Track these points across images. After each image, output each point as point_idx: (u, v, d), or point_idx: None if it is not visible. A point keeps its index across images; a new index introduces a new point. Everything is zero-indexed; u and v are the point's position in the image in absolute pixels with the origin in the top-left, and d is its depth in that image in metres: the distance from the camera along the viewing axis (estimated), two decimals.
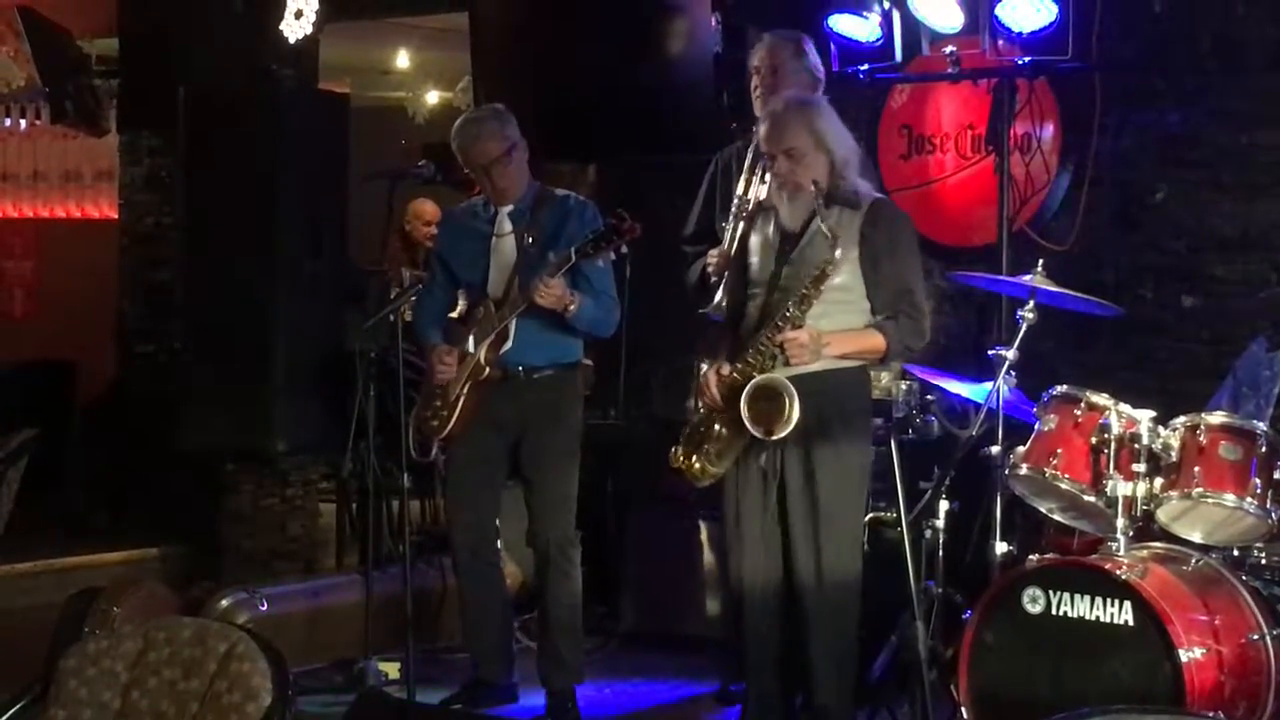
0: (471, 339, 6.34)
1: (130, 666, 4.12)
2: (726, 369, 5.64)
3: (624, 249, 6.19)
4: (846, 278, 5.59)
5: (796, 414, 5.44)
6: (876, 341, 5.62)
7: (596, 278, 6.31)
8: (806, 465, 5.61)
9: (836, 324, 5.59)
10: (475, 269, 6.45)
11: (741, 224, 5.99)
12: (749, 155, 6.30)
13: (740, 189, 6.29)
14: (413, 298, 6.78)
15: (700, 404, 5.82)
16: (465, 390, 6.33)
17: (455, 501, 6.55)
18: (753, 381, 5.51)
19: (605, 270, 6.35)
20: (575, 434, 6.49)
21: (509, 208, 6.44)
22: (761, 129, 5.73)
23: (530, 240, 6.33)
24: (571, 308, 6.18)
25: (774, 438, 5.50)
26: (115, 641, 4.19)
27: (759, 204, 5.91)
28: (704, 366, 5.82)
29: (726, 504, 5.80)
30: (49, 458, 9.77)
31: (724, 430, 5.66)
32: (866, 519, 6.08)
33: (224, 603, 6.80)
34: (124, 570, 8.23)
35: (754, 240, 5.78)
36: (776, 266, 5.67)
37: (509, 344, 6.30)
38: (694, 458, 5.73)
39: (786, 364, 5.53)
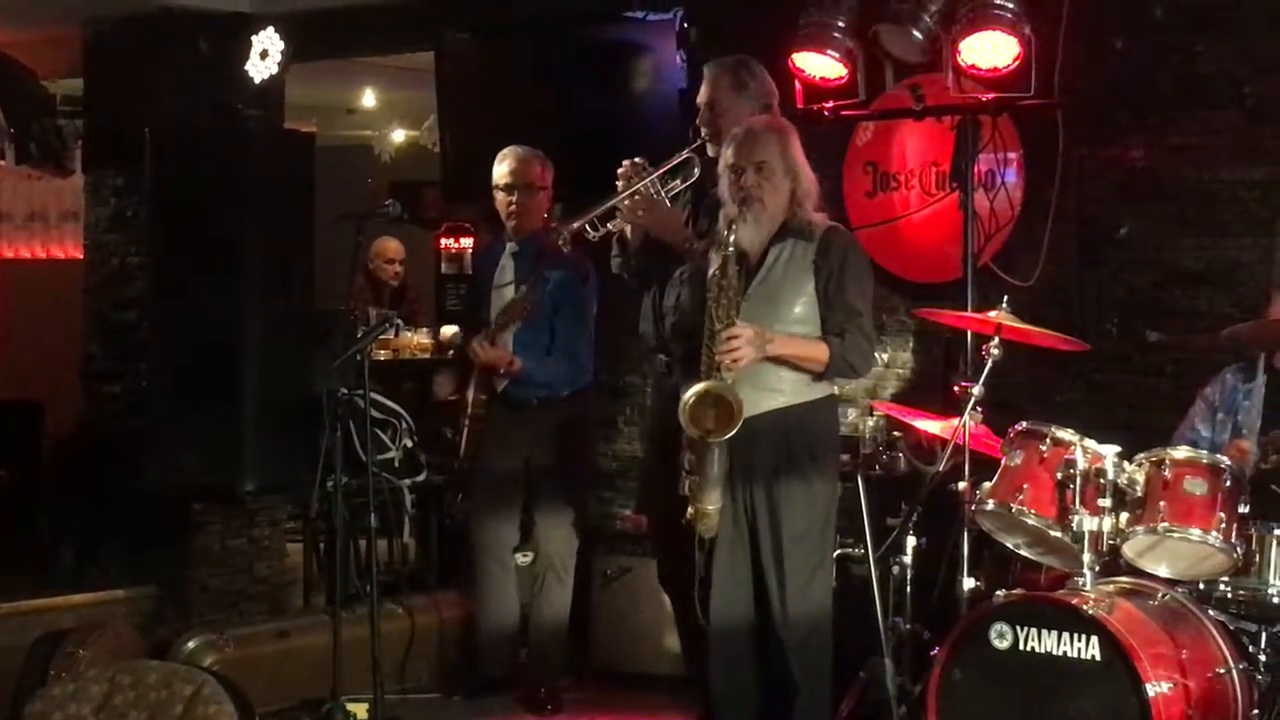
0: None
1: (96, 710, 4.12)
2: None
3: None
4: (804, 309, 5.67)
5: (739, 416, 5.47)
6: (819, 350, 5.67)
7: (561, 336, 6.96)
8: (774, 499, 5.65)
9: None
10: (484, 308, 7.10)
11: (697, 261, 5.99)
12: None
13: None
14: (379, 336, 6.90)
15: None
16: (467, 422, 7.03)
17: (476, 512, 7.24)
18: (696, 386, 5.53)
19: (572, 328, 6.99)
20: (580, 455, 7.20)
21: (514, 248, 7.05)
22: (729, 147, 5.76)
23: (523, 293, 6.89)
24: (514, 368, 6.87)
25: (711, 439, 5.53)
26: (81, 685, 4.19)
27: (713, 238, 5.86)
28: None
29: (699, 541, 5.81)
30: (15, 498, 9.75)
31: (692, 457, 5.67)
32: (835, 554, 6.09)
33: (190, 644, 6.77)
34: (90, 611, 8.18)
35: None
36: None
37: (508, 381, 7.00)
38: (690, 504, 5.73)
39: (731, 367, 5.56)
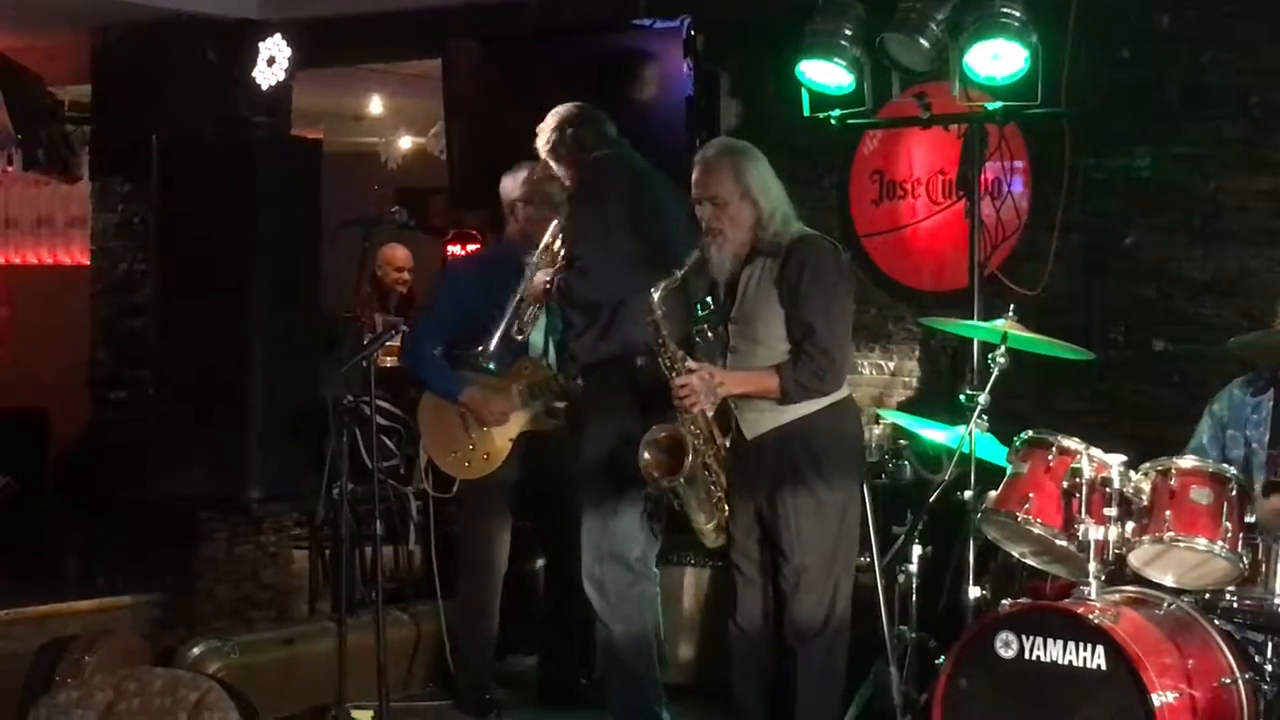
0: (522, 392, 6.86)
1: (101, 716, 4.13)
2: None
3: None
4: (776, 326, 5.66)
5: (688, 452, 5.59)
6: (771, 382, 5.64)
7: None
8: (784, 512, 5.67)
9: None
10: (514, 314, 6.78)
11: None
12: None
13: None
14: (386, 343, 6.87)
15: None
16: (517, 438, 6.89)
17: (482, 524, 7.08)
18: (650, 433, 5.66)
19: None
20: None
21: (533, 259, 6.74)
22: (694, 175, 5.78)
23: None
24: None
25: (663, 485, 5.68)
26: (86, 692, 4.19)
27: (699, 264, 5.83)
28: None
29: (729, 550, 5.89)
30: (21, 505, 9.75)
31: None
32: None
33: (195, 650, 6.76)
34: (96, 618, 8.17)
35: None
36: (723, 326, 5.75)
37: None
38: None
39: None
